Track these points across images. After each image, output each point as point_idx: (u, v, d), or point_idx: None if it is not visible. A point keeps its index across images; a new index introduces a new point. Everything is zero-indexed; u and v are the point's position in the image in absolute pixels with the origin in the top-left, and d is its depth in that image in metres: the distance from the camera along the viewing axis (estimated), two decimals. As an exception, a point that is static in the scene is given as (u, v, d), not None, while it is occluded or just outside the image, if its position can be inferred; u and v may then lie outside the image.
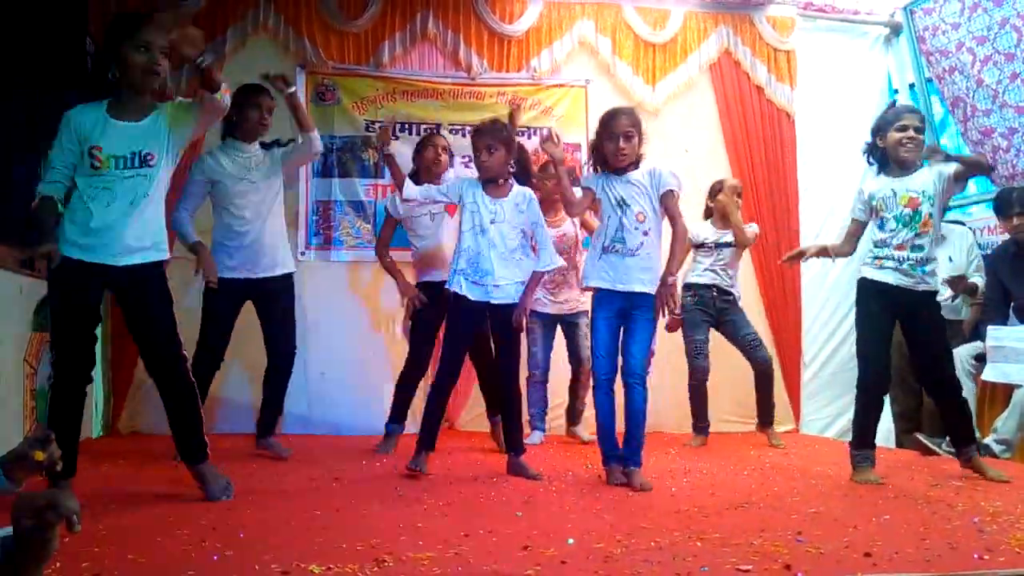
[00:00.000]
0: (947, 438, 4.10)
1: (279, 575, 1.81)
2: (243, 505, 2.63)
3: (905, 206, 3.24)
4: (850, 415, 5.29)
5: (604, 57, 5.23)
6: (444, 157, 3.96)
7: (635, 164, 3.20)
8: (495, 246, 3.28)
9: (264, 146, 3.77)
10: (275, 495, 2.81)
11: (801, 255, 3.61)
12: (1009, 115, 4.71)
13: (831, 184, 5.42)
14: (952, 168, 3.22)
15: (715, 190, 4.52)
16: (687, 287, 4.45)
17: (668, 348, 4.53)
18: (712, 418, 4.57)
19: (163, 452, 3.78)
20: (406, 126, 5.03)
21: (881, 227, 3.31)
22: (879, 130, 3.35)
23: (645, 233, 3.14)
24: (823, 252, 3.57)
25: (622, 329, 3.18)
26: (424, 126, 5.00)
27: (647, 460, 3.24)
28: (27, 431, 3.36)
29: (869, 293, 3.32)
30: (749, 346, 4.45)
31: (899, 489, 3.04)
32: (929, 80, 5.32)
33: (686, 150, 5.11)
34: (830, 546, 2.08)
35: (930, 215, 3.21)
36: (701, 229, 4.48)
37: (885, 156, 3.33)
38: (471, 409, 4.94)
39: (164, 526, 2.27)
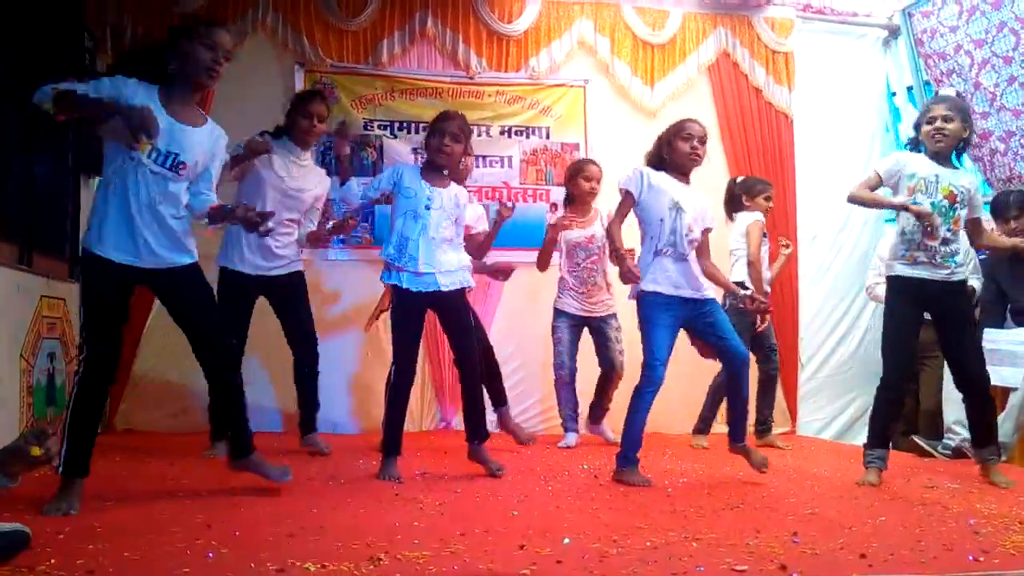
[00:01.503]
0: (943, 440, 4.12)
1: (274, 573, 1.81)
2: (239, 503, 2.63)
3: (945, 197, 3.21)
4: (846, 417, 5.39)
5: (603, 57, 5.23)
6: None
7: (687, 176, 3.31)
8: (426, 232, 3.20)
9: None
10: (271, 493, 2.80)
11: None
12: (1007, 118, 4.72)
13: (829, 186, 5.43)
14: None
15: (756, 192, 4.48)
16: None
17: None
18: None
19: (158, 449, 3.78)
20: (405, 125, 5.02)
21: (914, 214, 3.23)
22: (917, 125, 3.35)
23: (691, 242, 3.21)
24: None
25: (712, 326, 3.21)
26: (422, 125, 5.00)
27: (641, 461, 3.25)
28: (23, 427, 3.36)
29: (901, 291, 3.28)
30: (769, 351, 4.52)
31: (895, 491, 3.05)
32: (927, 83, 5.33)
33: (684, 151, 5.11)
34: (825, 547, 2.08)
35: (960, 217, 3.22)
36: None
37: (923, 148, 3.33)
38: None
39: (159, 524, 2.27)
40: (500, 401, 4.29)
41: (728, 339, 3.21)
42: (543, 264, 4.35)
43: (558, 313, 4.36)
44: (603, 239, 4.31)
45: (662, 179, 3.26)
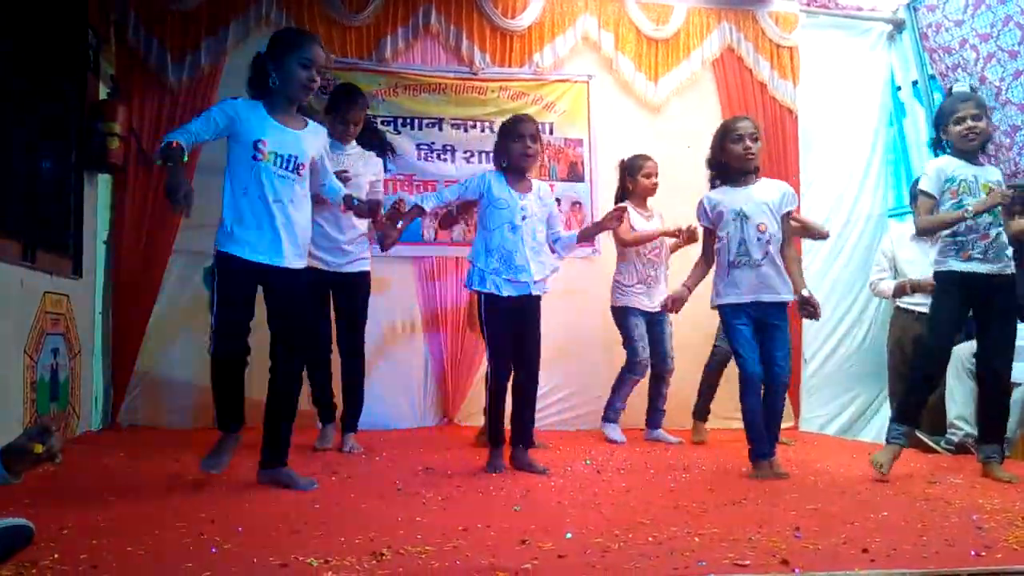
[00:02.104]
0: (946, 435, 4.11)
1: (277, 568, 1.82)
2: (242, 498, 2.64)
3: (987, 192, 3.22)
4: (849, 413, 5.38)
5: (606, 52, 5.22)
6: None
7: (755, 173, 3.34)
8: (526, 242, 3.28)
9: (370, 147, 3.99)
10: (274, 488, 2.81)
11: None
12: (1012, 112, 4.70)
13: (834, 181, 5.42)
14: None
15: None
16: None
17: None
18: (713, 415, 4.57)
19: (162, 445, 3.79)
20: (408, 121, 5.02)
21: (962, 209, 3.22)
22: (939, 124, 3.36)
23: (768, 242, 3.24)
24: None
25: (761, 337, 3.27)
26: (426, 120, 5.00)
27: (644, 456, 3.25)
28: (27, 423, 3.37)
29: (954, 285, 3.28)
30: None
31: (897, 486, 3.04)
32: (932, 77, 5.31)
33: (688, 146, 5.08)
34: (828, 542, 2.08)
35: (999, 212, 3.24)
36: None
37: (951, 146, 3.33)
38: (470, 404, 4.95)
39: (162, 519, 2.27)
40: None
41: (773, 354, 3.26)
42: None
43: (631, 311, 4.35)
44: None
45: (722, 194, 3.34)
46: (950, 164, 3.30)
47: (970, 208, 3.17)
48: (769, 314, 3.26)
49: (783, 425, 4.90)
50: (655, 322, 4.39)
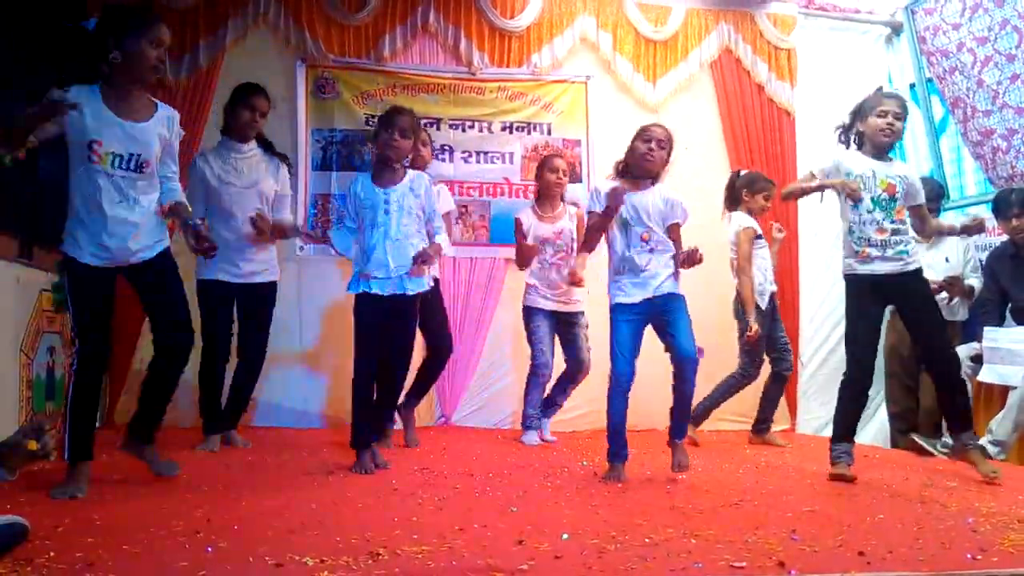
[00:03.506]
0: (942, 438, 4.12)
1: (273, 567, 1.81)
2: (238, 497, 2.63)
3: (884, 190, 3.23)
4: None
5: (605, 53, 5.22)
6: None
7: (651, 180, 3.27)
8: (388, 236, 3.21)
9: (268, 151, 3.88)
10: (270, 488, 2.81)
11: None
12: (1009, 116, 4.71)
13: (830, 183, 5.42)
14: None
15: (757, 189, 4.50)
16: None
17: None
18: (717, 413, 4.58)
19: (158, 443, 3.77)
20: (406, 120, 5.01)
21: (856, 207, 3.26)
22: (859, 113, 3.36)
23: (651, 251, 3.18)
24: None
25: (666, 323, 3.19)
26: (424, 120, 4.99)
27: (642, 457, 3.25)
28: (22, 422, 3.36)
29: (859, 289, 3.30)
30: (783, 348, 4.52)
31: (893, 489, 3.05)
32: (929, 80, 5.32)
33: (686, 148, 5.07)
34: (824, 544, 2.08)
35: (903, 207, 3.24)
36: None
37: (861, 138, 3.35)
38: (466, 405, 4.95)
39: (158, 517, 2.27)
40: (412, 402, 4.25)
41: (675, 336, 3.19)
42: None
43: (534, 312, 4.31)
44: (570, 234, 4.30)
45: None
46: (848, 157, 3.33)
47: (816, 173, 3.27)
48: (663, 307, 3.19)
49: (779, 428, 4.96)
50: (565, 323, 4.34)
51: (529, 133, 5.15)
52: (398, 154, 3.27)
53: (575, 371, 4.39)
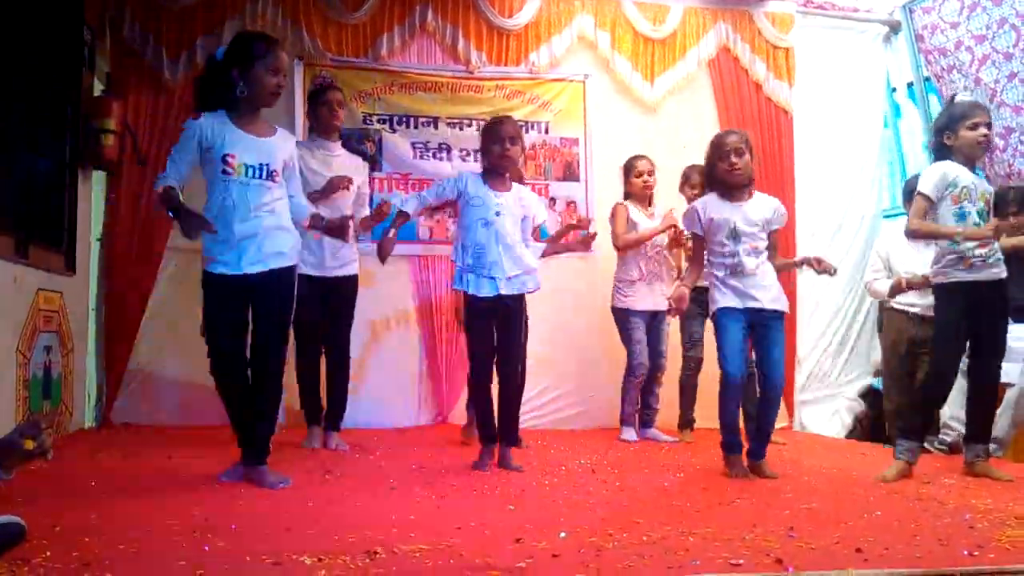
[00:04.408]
0: (939, 435, 4.12)
1: (270, 566, 1.81)
2: (235, 496, 2.63)
3: (984, 202, 3.25)
4: (844, 413, 5.38)
5: (603, 52, 5.22)
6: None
7: (746, 188, 3.30)
8: (501, 238, 3.28)
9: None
10: (268, 487, 2.80)
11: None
12: (1006, 114, 4.71)
13: (829, 181, 5.43)
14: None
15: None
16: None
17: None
18: (705, 416, 4.57)
19: (155, 443, 3.78)
20: (404, 119, 5.01)
21: (962, 218, 3.22)
22: (947, 128, 3.32)
23: (759, 255, 3.24)
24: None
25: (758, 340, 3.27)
26: (422, 119, 5.00)
27: (638, 456, 3.25)
28: (19, 420, 3.35)
29: (957, 296, 3.27)
30: None
31: (891, 486, 3.05)
32: (927, 79, 5.32)
33: (684, 146, 5.10)
34: (821, 541, 2.08)
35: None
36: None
37: (950, 151, 3.30)
38: (463, 403, 4.94)
39: (155, 517, 2.26)
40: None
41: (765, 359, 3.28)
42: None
43: (630, 312, 4.35)
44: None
45: (715, 206, 3.30)
46: (954, 169, 3.28)
47: (960, 235, 3.19)
48: (764, 320, 3.24)
49: (776, 425, 4.96)
50: (655, 321, 4.40)
51: (527, 132, 5.14)
52: (512, 162, 3.35)
53: (655, 371, 4.45)
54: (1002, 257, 3.28)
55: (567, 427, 4.90)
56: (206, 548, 1.95)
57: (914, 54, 5.38)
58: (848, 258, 5.41)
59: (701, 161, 5.06)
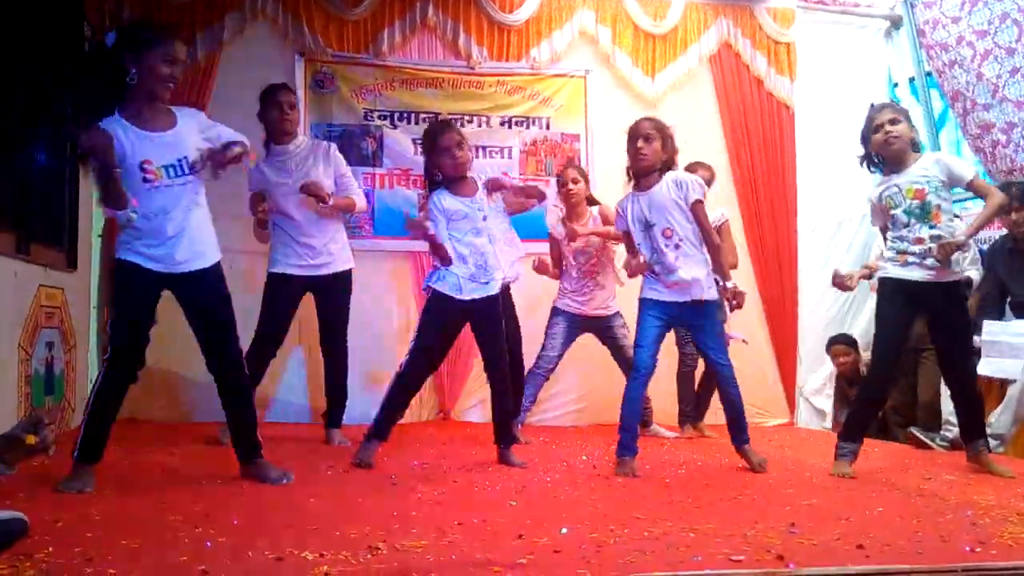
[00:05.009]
0: (941, 432, 4.12)
1: (272, 561, 1.81)
2: (237, 492, 2.64)
3: (913, 198, 3.21)
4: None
5: (604, 47, 5.21)
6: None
7: (658, 173, 3.23)
8: (494, 240, 3.30)
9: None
10: (270, 484, 2.80)
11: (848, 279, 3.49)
12: (1008, 110, 4.70)
13: (830, 177, 5.41)
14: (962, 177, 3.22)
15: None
16: None
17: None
18: (713, 411, 4.57)
19: (158, 439, 3.79)
20: (405, 115, 5.01)
21: (894, 223, 3.26)
22: (865, 139, 3.36)
23: (677, 246, 3.17)
24: (866, 275, 3.50)
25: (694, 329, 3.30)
26: (423, 115, 4.99)
27: (640, 452, 3.25)
28: (21, 416, 3.36)
29: (892, 291, 3.26)
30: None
31: (892, 482, 3.05)
32: (929, 74, 5.31)
33: (685, 142, 5.05)
34: (823, 538, 2.09)
35: (939, 207, 3.17)
36: None
37: (881, 160, 3.33)
38: (465, 399, 4.95)
39: (158, 512, 2.27)
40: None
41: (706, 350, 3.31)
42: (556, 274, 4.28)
43: (556, 312, 4.30)
44: (597, 240, 4.24)
45: (635, 204, 3.27)
46: (875, 190, 3.34)
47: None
48: (692, 314, 3.23)
49: (778, 421, 4.97)
50: (602, 328, 4.30)
51: (528, 128, 5.15)
52: (465, 167, 3.30)
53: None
54: (951, 258, 3.18)
55: (568, 424, 4.90)
56: (208, 544, 1.95)
57: (915, 49, 5.36)
58: (849, 254, 5.40)
59: (701, 155, 5.10)
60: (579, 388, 4.98)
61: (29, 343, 3.55)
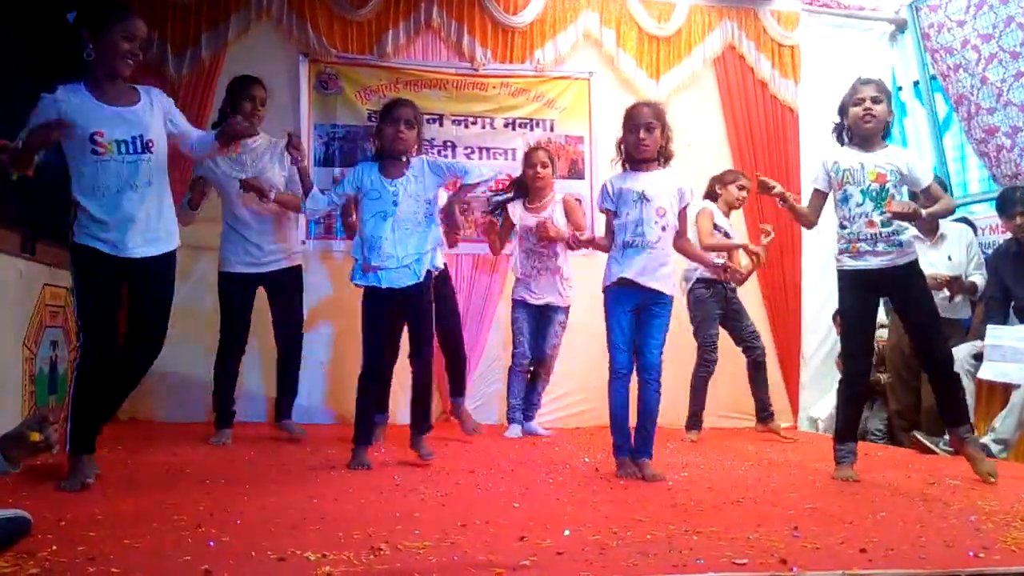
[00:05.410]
0: (945, 436, 4.11)
1: (275, 562, 1.81)
2: (240, 492, 2.63)
3: (873, 181, 3.17)
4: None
5: (608, 50, 5.22)
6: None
7: (661, 160, 3.21)
8: (400, 227, 3.20)
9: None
10: (272, 483, 2.81)
11: (771, 188, 3.38)
12: (1013, 113, 4.69)
13: (834, 180, 5.41)
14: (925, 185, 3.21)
15: (727, 181, 4.51)
16: (700, 281, 4.42)
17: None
18: (710, 413, 4.58)
19: (161, 438, 3.80)
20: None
21: (845, 202, 3.20)
22: (842, 110, 3.31)
23: (663, 228, 3.14)
24: (793, 208, 3.41)
25: (636, 324, 3.15)
26: (427, 116, 4.98)
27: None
28: (25, 414, 3.36)
29: (851, 284, 3.25)
30: (751, 337, 4.51)
31: (896, 486, 3.04)
32: (933, 77, 5.31)
33: (689, 144, 5.07)
34: (826, 541, 2.08)
35: (893, 197, 3.14)
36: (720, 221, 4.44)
37: (852, 132, 3.29)
38: (468, 401, 4.94)
39: (161, 512, 2.27)
40: (458, 391, 4.38)
41: (644, 345, 3.15)
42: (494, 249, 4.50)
43: (517, 305, 4.34)
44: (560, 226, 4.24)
45: (625, 178, 3.24)
46: (833, 155, 3.27)
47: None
48: (650, 301, 3.15)
49: (783, 424, 4.95)
50: (542, 315, 4.35)
51: (532, 129, 5.15)
52: (406, 146, 3.25)
53: (538, 367, 4.42)
54: (902, 240, 3.16)
55: (570, 425, 4.90)
56: (211, 544, 1.95)
57: (920, 53, 5.36)
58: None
59: (705, 158, 5.10)
60: (582, 390, 4.98)
61: (34, 342, 3.56)
